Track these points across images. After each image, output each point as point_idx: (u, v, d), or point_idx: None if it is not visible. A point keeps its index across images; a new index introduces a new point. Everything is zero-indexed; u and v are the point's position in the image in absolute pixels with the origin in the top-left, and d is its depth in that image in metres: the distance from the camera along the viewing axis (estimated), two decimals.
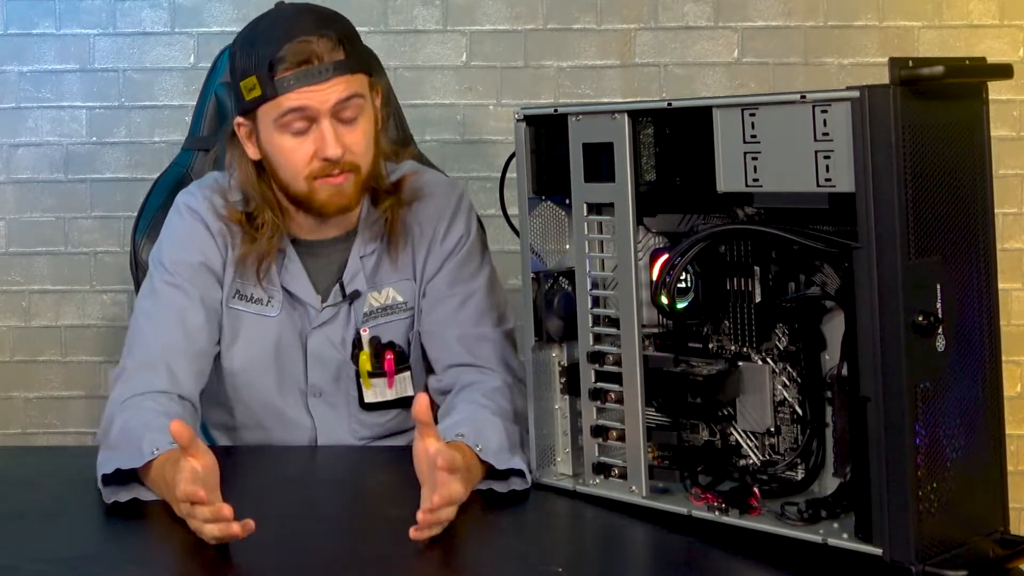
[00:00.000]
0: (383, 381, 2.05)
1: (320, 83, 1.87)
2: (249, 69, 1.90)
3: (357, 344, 2.04)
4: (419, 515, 1.56)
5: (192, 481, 1.57)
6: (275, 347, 2.04)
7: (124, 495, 1.74)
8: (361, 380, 2.04)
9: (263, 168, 1.98)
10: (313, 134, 1.90)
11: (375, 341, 2.04)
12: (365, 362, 2.03)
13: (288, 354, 2.05)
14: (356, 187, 1.94)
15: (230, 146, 2.01)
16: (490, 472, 1.76)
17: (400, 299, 2.05)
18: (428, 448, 1.62)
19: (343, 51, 1.89)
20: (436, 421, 1.74)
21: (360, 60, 1.93)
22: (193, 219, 2.02)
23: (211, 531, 1.56)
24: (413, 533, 1.56)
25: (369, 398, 2.05)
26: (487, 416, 1.83)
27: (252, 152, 1.97)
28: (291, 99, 1.87)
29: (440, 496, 1.57)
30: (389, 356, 2.04)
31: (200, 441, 1.62)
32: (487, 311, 2.03)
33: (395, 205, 2.01)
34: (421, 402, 1.62)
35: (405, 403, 2.06)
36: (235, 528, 1.54)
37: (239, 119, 1.96)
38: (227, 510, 1.55)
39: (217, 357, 2.04)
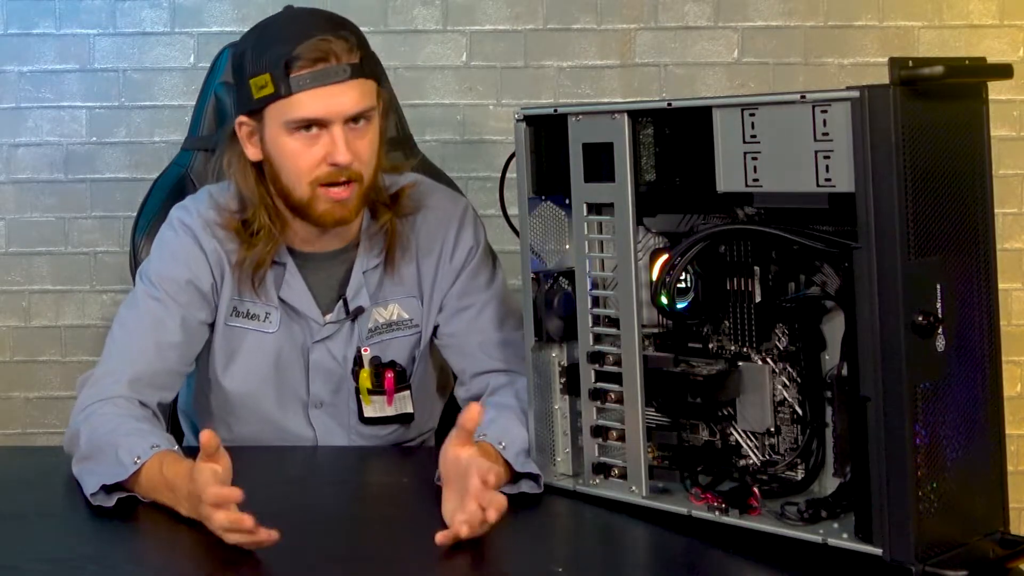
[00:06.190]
0: (382, 399, 2.04)
1: (336, 83, 1.84)
2: (261, 66, 1.86)
3: (358, 361, 2.03)
4: (460, 526, 1.54)
5: (216, 484, 1.57)
6: (275, 362, 2.03)
7: (110, 501, 1.74)
8: (361, 396, 2.04)
9: (262, 172, 1.95)
10: (323, 139, 1.87)
11: (376, 360, 2.03)
12: (365, 380, 2.03)
13: (289, 368, 2.03)
14: (358, 199, 1.91)
15: (229, 147, 1.97)
16: None
17: (406, 316, 2.04)
18: (460, 455, 1.63)
19: (359, 55, 1.87)
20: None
21: (372, 66, 1.91)
22: (186, 235, 1.99)
23: (232, 538, 1.56)
24: (440, 539, 1.55)
25: (369, 413, 2.04)
26: (514, 419, 1.82)
27: (253, 153, 1.93)
28: (305, 104, 1.84)
29: (496, 511, 1.56)
30: (389, 375, 2.03)
31: (223, 448, 1.62)
32: (505, 316, 2.02)
33: (394, 217, 1.99)
34: (472, 411, 1.63)
35: (405, 419, 2.07)
36: (262, 535, 1.53)
37: (241, 118, 1.92)
38: (248, 521, 1.53)
39: (209, 373, 2.04)
